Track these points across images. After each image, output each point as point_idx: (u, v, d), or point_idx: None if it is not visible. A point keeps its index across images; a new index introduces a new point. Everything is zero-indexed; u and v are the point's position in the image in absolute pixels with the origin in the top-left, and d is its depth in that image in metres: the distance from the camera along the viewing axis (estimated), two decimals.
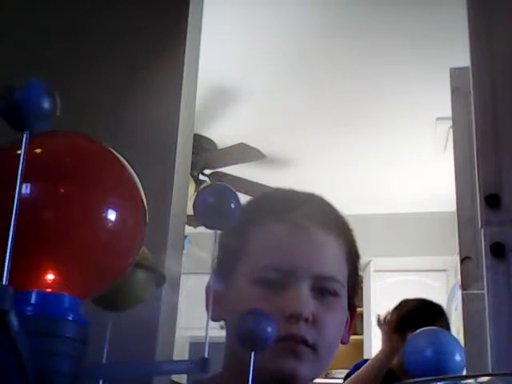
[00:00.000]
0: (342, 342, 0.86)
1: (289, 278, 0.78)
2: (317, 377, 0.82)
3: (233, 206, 0.47)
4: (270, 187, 1.53)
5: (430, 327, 0.38)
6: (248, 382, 0.50)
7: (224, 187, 0.50)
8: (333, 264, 0.82)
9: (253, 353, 0.47)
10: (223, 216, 0.48)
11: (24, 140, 0.44)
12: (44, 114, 0.44)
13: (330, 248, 0.82)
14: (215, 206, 0.48)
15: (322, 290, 0.79)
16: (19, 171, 0.43)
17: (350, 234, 0.87)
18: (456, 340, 0.36)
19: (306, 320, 0.76)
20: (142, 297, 0.59)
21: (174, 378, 2.42)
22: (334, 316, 0.80)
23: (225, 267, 0.83)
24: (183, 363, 0.45)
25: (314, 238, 0.81)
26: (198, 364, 0.45)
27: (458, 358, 0.35)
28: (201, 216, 0.48)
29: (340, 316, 0.82)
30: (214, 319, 0.82)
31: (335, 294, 0.80)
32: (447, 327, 2.05)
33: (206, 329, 0.47)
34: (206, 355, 0.46)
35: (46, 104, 0.44)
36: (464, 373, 0.37)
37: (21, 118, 0.43)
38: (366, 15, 2.77)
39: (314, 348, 0.77)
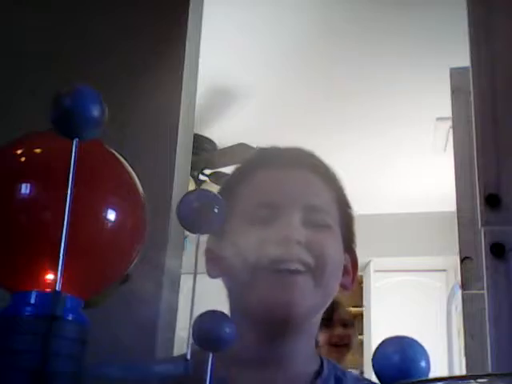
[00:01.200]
0: (345, 288, 0.84)
1: (278, 212, 0.78)
2: (320, 310, 0.79)
3: (216, 210, 0.48)
4: None
5: (399, 335, 0.39)
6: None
7: (208, 192, 0.50)
8: (322, 198, 0.82)
9: (211, 354, 0.47)
10: (207, 220, 0.48)
11: (74, 147, 0.44)
12: (93, 121, 0.44)
13: (318, 185, 0.83)
14: (199, 210, 0.48)
15: (313, 222, 0.78)
16: (70, 177, 0.43)
17: (339, 183, 0.87)
18: (422, 347, 0.38)
19: (299, 243, 0.75)
20: (101, 300, 0.59)
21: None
22: (328, 241, 0.79)
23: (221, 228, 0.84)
24: (169, 364, 0.45)
25: (301, 176, 0.83)
26: (181, 365, 0.45)
27: (423, 364, 0.37)
28: (184, 220, 0.48)
29: (336, 245, 0.81)
30: (212, 276, 0.82)
31: (327, 225, 0.80)
32: None
33: (189, 329, 0.47)
34: (188, 357, 0.46)
35: (96, 112, 0.44)
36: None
37: (70, 126, 0.44)
38: (366, 15, 2.77)
39: (314, 274, 0.75)
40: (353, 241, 0.87)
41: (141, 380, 0.45)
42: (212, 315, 0.47)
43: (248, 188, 0.83)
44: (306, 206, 0.79)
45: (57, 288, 0.41)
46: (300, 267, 0.75)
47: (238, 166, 0.91)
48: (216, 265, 0.82)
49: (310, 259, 0.75)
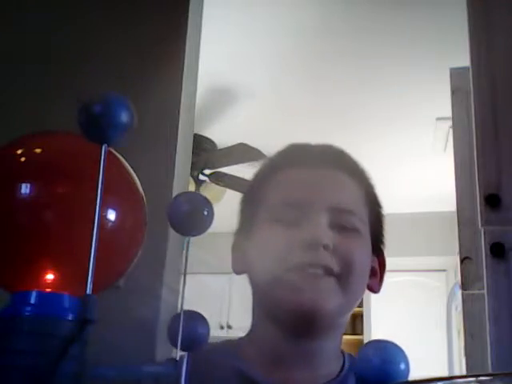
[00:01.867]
0: (372, 290, 0.84)
1: (305, 213, 0.76)
2: (345, 313, 0.78)
3: (205, 213, 0.48)
4: None
5: (379, 339, 0.41)
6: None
7: (197, 195, 0.51)
8: (350, 199, 0.80)
9: (186, 354, 0.47)
10: (197, 223, 0.49)
11: (103, 153, 0.44)
12: (122, 127, 0.44)
13: (346, 185, 0.81)
14: (189, 213, 0.48)
15: (341, 224, 0.77)
16: (99, 183, 0.44)
17: (370, 181, 0.86)
18: (401, 350, 0.40)
19: (326, 247, 0.74)
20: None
21: None
22: (356, 246, 0.78)
23: (247, 220, 0.83)
24: (159, 366, 0.46)
25: (329, 175, 0.81)
26: (170, 366, 0.46)
27: (402, 366, 0.39)
28: (175, 223, 0.48)
29: (364, 250, 0.80)
30: (237, 272, 0.82)
31: (355, 229, 0.78)
32: None
33: (180, 331, 0.47)
34: (177, 358, 0.46)
35: (125, 117, 0.45)
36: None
37: (100, 132, 0.44)
38: (365, 16, 2.77)
39: (339, 278, 0.74)
40: (382, 241, 0.86)
41: (133, 381, 0.45)
42: (186, 315, 0.47)
43: (275, 185, 0.82)
44: (334, 207, 0.78)
45: (88, 291, 0.41)
46: (326, 278, 0.74)
47: (265, 161, 0.89)
48: (241, 260, 0.82)
49: (335, 265, 0.74)
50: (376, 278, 0.85)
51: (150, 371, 0.45)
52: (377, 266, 0.85)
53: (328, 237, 0.75)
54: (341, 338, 0.82)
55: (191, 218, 0.49)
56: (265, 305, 0.79)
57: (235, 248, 0.84)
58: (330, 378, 0.78)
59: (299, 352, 0.77)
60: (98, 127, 0.44)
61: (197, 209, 0.49)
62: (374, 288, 0.85)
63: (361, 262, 0.78)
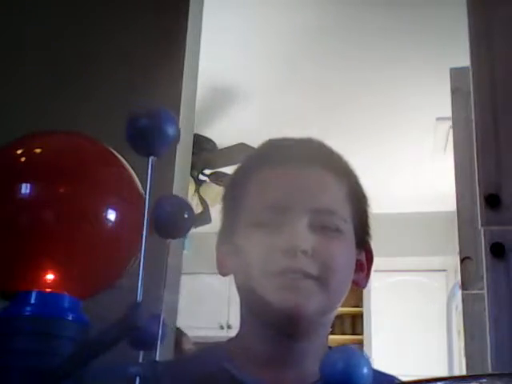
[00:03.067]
0: (359, 285, 0.84)
1: (285, 216, 0.77)
2: (327, 312, 0.79)
3: (186, 215, 0.49)
4: None
5: (344, 345, 0.44)
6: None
7: (179, 198, 0.51)
8: (331, 199, 0.80)
9: (141, 352, 0.48)
10: (178, 226, 0.49)
11: (150, 165, 0.46)
12: (168, 140, 0.46)
13: (326, 184, 0.81)
14: (172, 216, 0.49)
15: (321, 225, 0.77)
16: (147, 194, 0.45)
17: (353, 175, 0.85)
18: (364, 355, 0.42)
19: (304, 253, 0.75)
20: None
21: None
22: (338, 248, 0.78)
23: (229, 221, 0.84)
24: (138, 366, 0.46)
25: (309, 175, 0.80)
26: (150, 367, 0.46)
27: (365, 370, 0.41)
28: (158, 226, 0.49)
29: (346, 250, 0.80)
30: (223, 274, 0.83)
31: (337, 229, 0.78)
32: None
33: (159, 331, 0.48)
34: (156, 358, 0.47)
35: (171, 131, 0.45)
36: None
37: (147, 145, 0.45)
38: (365, 16, 2.77)
39: (320, 280, 0.75)
40: (368, 234, 0.86)
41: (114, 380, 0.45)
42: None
43: (255, 187, 0.81)
44: (315, 208, 0.78)
45: (138, 299, 0.43)
46: (306, 282, 0.75)
47: (245, 159, 0.88)
48: (225, 263, 0.83)
49: (314, 270, 0.75)
50: (363, 272, 0.86)
51: (130, 371, 0.45)
52: (364, 260, 0.86)
53: (307, 242, 0.75)
54: (327, 336, 0.84)
55: (171, 221, 0.50)
56: (250, 307, 0.81)
57: (219, 249, 0.85)
58: (317, 377, 0.79)
59: (286, 352, 0.78)
60: (144, 140, 0.45)
61: (178, 212, 0.50)
62: (361, 283, 0.85)
63: (342, 262, 0.79)
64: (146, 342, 0.48)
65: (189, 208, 0.50)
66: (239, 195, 0.82)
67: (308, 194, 0.79)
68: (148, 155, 0.46)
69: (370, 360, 0.43)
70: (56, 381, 0.43)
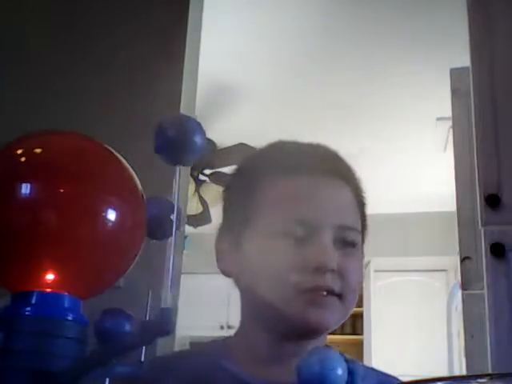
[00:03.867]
0: None
1: (312, 230, 0.78)
2: (341, 322, 0.83)
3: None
4: None
5: (321, 347, 0.46)
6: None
7: (165, 200, 0.51)
8: (350, 213, 0.82)
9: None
10: (164, 227, 0.50)
11: (177, 174, 0.47)
12: (196, 150, 0.46)
13: (345, 197, 0.82)
14: (157, 218, 0.49)
15: (342, 240, 0.79)
16: (175, 202, 0.46)
17: (357, 180, 0.86)
18: (340, 357, 0.44)
19: (332, 271, 0.77)
20: None
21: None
22: (355, 264, 0.81)
23: (236, 221, 0.83)
24: (127, 366, 0.47)
25: (329, 187, 0.82)
26: (139, 367, 0.47)
27: (339, 372, 0.43)
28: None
29: (359, 264, 0.83)
30: (226, 273, 0.83)
31: (353, 243, 0.81)
32: None
33: (144, 332, 0.48)
34: (142, 359, 0.48)
35: (198, 140, 0.46)
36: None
37: (175, 154, 0.46)
38: (366, 15, 2.77)
39: (340, 297, 0.78)
40: (364, 240, 0.87)
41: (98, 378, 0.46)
42: (113, 315, 0.50)
43: (272, 194, 0.81)
44: (339, 225, 0.79)
45: (168, 305, 0.44)
46: (330, 299, 0.78)
47: (254, 161, 0.88)
48: (232, 263, 0.83)
49: (337, 287, 0.78)
50: None
51: (118, 371, 0.46)
52: None
53: (334, 260, 0.77)
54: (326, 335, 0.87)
55: (157, 222, 0.50)
56: (259, 314, 0.81)
57: (220, 246, 0.85)
58: None
59: (290, 353, 0.79)
60: (173, 150, 0.46)
61: (164, 214, 0.50)
62: None
63: (357, 278, 0.82)
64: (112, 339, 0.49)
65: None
66: (249, 198, 0.82)
67: (334, 210, 0.81)
68: (176, 164, 0.46)
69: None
70: (70, 378, 0.44)
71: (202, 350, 0.89)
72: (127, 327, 0.50)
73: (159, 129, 0.47)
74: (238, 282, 0.83)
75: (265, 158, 0.88)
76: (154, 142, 0.48)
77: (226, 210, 0.87)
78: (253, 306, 0.82)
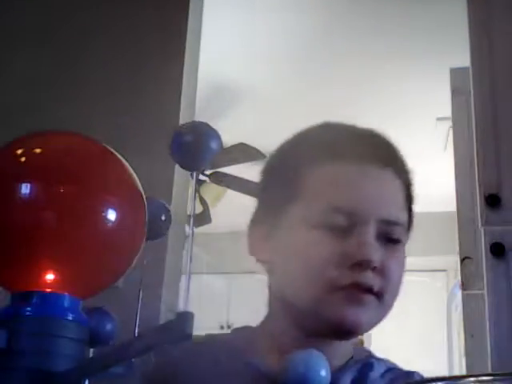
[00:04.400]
0: None
1: (354, 222, 0.72)
2: (378, 324, 0.77)
3: (163, 218, 0.49)
4: None
5: (306, 349, 0.46)
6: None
7: (157, 201, 0.52)
8: (397, 207, 0.76)
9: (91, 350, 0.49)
10: (155, 228, 0.50)
11: (194, 179, 0.48)
12: (211, 155, 0.47)
13: (393, 189, 0.76)
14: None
15: (386, 236, 0.74)
16: (193, 207, 0.46)
17: (409, 173, 0.80)
18: (323, 359, 0.45)
19: (374, 268, 0.71)
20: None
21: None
22: (398, 263, 0.76)
23: (273, 208, 0.77)
24: (119, 367, 0.47)
25: (378, 178, 0.75)
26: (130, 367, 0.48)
27: (323, 373, 0.44)
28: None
29: (403, 263, 0.78)
30: (259, 259, 0.78)
31: (398, 240, 0.76)
32: None
33: (135, 328, 0.48)
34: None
35: (215, 145, 0.48)
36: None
37: (191, 160, 0.47)
38: (366, 15, 2.77)
39: (378, 295, 0.72)
40: (412, 225, 0.82)
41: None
42: (97, 313, 0.51)
43: (318, 182, 0.75)
44: (384, 219, 0.74)
45: (186, 309, 0.44)
46: (368, 297, 0.73)
47: (300, 144, 0.82)
48: (265, 250, 0.77)
49: (377, 285, 0.72)
50: None
51: (110, 372, 0.46)
52: None
53: (378, 256, 0.72)
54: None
55: (150, 222, 0.51)
56: (292, 311, 0.76)
57: (253, 232, 0.79)
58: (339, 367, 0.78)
59: (318, 348, 0.76)
60: (190, 156, 0.47)
61: (155, 214, 0.51)
62: None
63: (399, 277, 0.77)
64: (99, 340, 0.50)
65: (166, 210, 0.51)
66: (293, 186, 0.76)
67: (379, 202, 0.75)
68: (192, 170, 0.47)
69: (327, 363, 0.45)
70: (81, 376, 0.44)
71: (226, 340, 0.83)
72: (108, 327, 0.50)
73: (175, 134, 0.47)
74: (270, 272, 0.78)
75: (312, 140, 0.81)
76: (170, 147, 0.48)
77: (262, 194, 0.82)
78: (283, 299, 0.77)
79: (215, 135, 0.48)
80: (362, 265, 0.71)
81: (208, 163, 0.47)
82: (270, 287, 0.79)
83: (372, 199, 0.74)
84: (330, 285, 0.71)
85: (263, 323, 0.81)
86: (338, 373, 0.76)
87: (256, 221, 0.80)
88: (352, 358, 0.80)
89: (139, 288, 0.52)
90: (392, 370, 0.81)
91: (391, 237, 0.75)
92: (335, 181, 0.75)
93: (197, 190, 1.44)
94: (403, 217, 0.77)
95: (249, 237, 0.79)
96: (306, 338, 0.74)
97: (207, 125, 0.48)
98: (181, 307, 0.44)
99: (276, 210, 0.77)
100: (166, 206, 0.52)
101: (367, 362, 0.80)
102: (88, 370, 0.44)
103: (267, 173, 0.83)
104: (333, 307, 0.71)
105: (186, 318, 0.42)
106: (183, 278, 1.81)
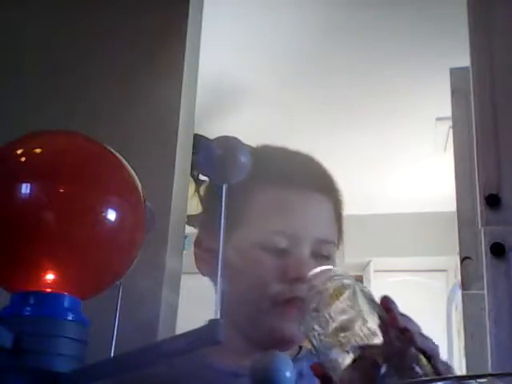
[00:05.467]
0: None
1: (293, 243, 0.80)
2: None
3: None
4: None
5: (272, 352, 0.48)
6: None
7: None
8: (329, 227, 0.86)
9: None
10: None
11: (224, 193, 0.48)
12: (241, 170, 0.48)
13: (325, 211, 0.86)
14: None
15: (318, 253, 0.82)
16: (222, 219, 0.48)
17: (338, 194, 0.90)
18: (288, 360, 0.47)
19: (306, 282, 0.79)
20: None
21: None
22: None
23: (216, 227, 0.84)
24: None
25: (314, 202, 0.85)
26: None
27: (288, 374, 0.46)
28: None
29: None
30: (206, 274, 0.87)
31: (328, 257, 0.83)
32: None
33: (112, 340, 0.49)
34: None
35: (244, 159, 0.48)
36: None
37: (222, 174, 0.48)
38: (366, 14, 2.77)
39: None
40: (342, 241, 0.91)
41: None
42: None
43: (262, 204, 0.84)
44: (318, 238, 0.82)
45: (216, 316, 0.46)
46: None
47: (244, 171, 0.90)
48: (207, 263, 0.86)
49: None
50: None
51: None
52: None
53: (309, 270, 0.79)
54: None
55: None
56: (239, 322, 0.83)
57: (202, 254, 0.87)
58: None
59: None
60: (219, 170, 0.47)
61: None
62: None
63: None
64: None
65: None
66: (235, 205, 0.83)
67: (315, 225, 0.84)
68: (222, 183, 0.48)
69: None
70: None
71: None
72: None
73: (204, 148, 0.48)
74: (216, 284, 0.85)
75: (254, 168, 0.89)
76: (197, 161, 0.49)
77: (206, 218, 0.90)
78: (230, 311, 0.82)
79: (245, 149, 0.48)
80: (300, 280, 0.78)
81: (239, 177, 0.48)
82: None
83: (309, 222, 0.84)
84: (271, 300, 0.79)
85: None
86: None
87: (200, 243, 0.88)
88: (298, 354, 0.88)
89: (117, 302, 0.52)
90: None
91: (323, 253, 0.83)
92: (276, 206, 0.84)
93: (180, 186, 1.45)
94: (334, 236, 0.86)
95: (195, 256, 0.88)
96: (252, 348, 0.81)
97: (236, 138, 0.49)
98: (213, 314, 0.46)
99: (227, 231, 0.84)
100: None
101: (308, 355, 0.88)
102: (99, 373, 0.44)
103: (211, 198, 0.91)
104: (274, 321, 0.79)
105: (216, 325, 0.45)
106: (183, 278, 1.81)
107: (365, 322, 0.59)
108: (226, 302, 0.81)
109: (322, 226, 0.85)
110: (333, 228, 0.86)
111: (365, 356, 0.55)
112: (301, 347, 0.89)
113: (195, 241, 0.88)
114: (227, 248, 0.80)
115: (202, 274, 0.87)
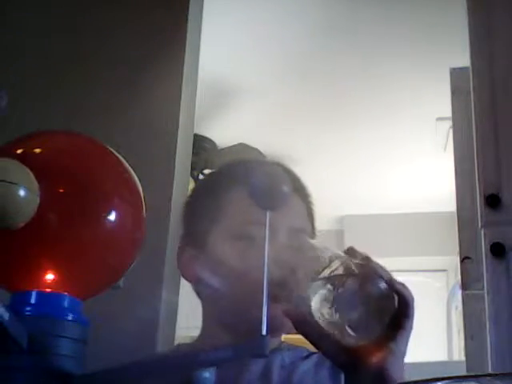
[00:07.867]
0: None
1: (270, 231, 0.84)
2: None
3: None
4: None
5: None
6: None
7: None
8: (302, 218, 0.94)
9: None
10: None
11: (267, 219, 0.56)
12: (284, 197, 0.56)
13: (298, 206, 0.94)
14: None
15: (294, 241, 0.87)
16: (266, 244, 0.56)
17: (309, 196, 0.98)
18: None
19: (284, 265, 0.82)
20: None
21: None
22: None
23: (199, 231, 0.91)
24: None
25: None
26: None
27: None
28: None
29: None
30: (190, 280, 0.90)
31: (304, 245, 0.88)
32: None
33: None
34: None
35: (287, 189, 0.56)
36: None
37: (268, 201, 0.56)
38: (365, 14, 2.77)
39: (290, 291, 0.83)
40: (315, 235, 0.97)
41: None
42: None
43: (237, 202, 0.89)
44: (291, 227, 0.89)
45: (263, 332, 0.52)
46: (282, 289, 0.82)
47: (218, 178, 0.99)
48: (191, 268, 0.88)
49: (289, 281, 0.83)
50: None
51: None
52: None
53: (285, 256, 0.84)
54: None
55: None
56: (226, 318, 0.86)
57: (186, 254, 0.90)
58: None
59: None
60: (266, 198, 0.55)
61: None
62: None
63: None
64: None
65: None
66: (216, 207, 0.91)
67: (289, 214, 0.89)
68: (266, 209, 0.55)
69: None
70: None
71: (167, 356, 0.94)
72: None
73: (255, 176, 0.55)
74: (199, 288, 0.88)
75: (229, 175, 0.96)
76: (250, 187, 0.56)
77: (189, 221, 0.94)
78: (216, 308, 0.87)
79: (287, 179, 0.56)
80: (277, 263, 0.80)
81: (280, 204, 0.56)
82: (203, 302, 0.90)
83: (283, 213, 0.86)
84: (255, 287, 0.79)
85: (200, 334, 0.91)
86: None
87: (184, 245, 0.92)
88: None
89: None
90: (314, 354, 0.92)
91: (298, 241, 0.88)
92: (247, 202, 0.86)
93: (180, 186, 1.46)
94: (307, 226, 0.94)
95: (178, 260, 0.92)
96: (237, 339, 0.83)
97: (279, 170, 0.58)
98: (263, 330, 0.52)
99: (202, 232, 0.90)
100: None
101: (286, 348, 0.91)
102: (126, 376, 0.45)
103: (192, 202, 0.98)
104: (259, 306, 0.80)
105: (263, 340, 0.51)
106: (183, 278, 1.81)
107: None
108: (214, 303, 0.86)
109: (295, 217, 0.91)
110: (306, 221, 0.94)
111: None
112: (282, 342, 0.92)
113: (179, 247, 0.92)
114: (207, 246, 0.88)
115: (187, 279, 0.90)
